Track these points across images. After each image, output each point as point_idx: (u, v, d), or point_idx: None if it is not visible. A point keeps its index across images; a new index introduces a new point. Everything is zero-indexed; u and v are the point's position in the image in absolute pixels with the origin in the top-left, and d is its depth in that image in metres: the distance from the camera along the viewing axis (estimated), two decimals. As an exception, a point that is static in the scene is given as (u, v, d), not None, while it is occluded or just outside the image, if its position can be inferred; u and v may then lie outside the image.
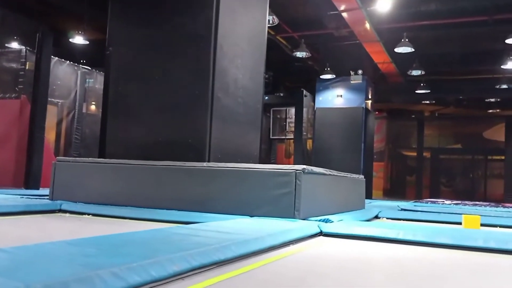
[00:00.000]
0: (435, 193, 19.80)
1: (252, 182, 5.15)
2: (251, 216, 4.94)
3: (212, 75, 5.87)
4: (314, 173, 5.32)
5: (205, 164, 5.53)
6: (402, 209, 9.18)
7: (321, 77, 13.87)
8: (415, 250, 3.90)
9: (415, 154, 20.47)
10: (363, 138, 13.94)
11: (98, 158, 6.62)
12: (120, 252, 2.38)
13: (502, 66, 12.81)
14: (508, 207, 12.55)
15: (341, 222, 4.87)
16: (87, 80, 12.32)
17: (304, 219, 4.91)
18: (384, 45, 12.33)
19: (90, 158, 6.51)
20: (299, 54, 12.18)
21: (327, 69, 13.57)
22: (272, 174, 5.06)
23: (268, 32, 11.10)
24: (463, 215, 5.95)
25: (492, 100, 17.93)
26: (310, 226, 4.42)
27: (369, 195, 14.56)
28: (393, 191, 20.36)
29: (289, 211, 4.91)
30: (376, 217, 7.22)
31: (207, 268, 2.56)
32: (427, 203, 13.23)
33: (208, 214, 5.04)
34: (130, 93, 6.41)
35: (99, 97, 10.70)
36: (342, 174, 6.75)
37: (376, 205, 9.92)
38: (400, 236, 4.15)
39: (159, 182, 5.63)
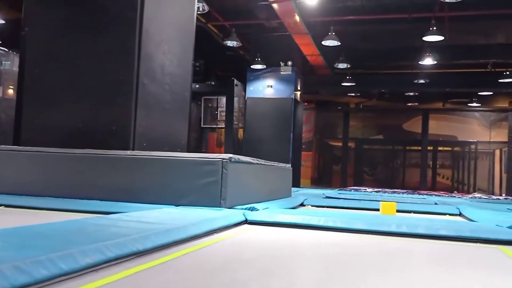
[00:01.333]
0: (359, 182, 20.77)
1: (178, 171, 5.08)
2: (176, 206, 4.88)
3: (137, 60, 5.68)
4: (241, 162, 5.35)
5: (128, 152, 5.36)
6: (326, 197, 9.51)
7: (252, 67, 13.95)
8: (335, 235, 4.06)
9: (341, 144, 21.30)
10: (292, 128, 14.25)
11: (13, 145, 6.18)
12: (28, 244, 2.24)
13: (420, 62, 13.63)
14: (422, 194, 13.46)
15: (266, 210, 4.95)
16: (3, 62, 11.49)
17: (230, 208, 4.93)
18: (313, 37, 12.64)
19: (3, 146, 6.07)
20: (230, 43, 12.15)
21: (257, 59, 13.66)
22: (198, 163, 5.02)
23: (198, 19, 10.96)
24: (380, 202, 6.28)
25: (411, 94, 19.05)
26: (235, 214, 4.44)
27: (297, 184, 14.96)
28: (321, 180, 21.06)
29: (215, 200, 4.90)
30: (302, 204, 7.43)
31: (125, 259, 2.48)
32: (351, 191, 13.86)
33: (131, 204, 4.90)
34: (48, 77, 6.03)
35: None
36: (270, 163, 6.85)
37: (303, 193, 10.20)
38: (322, 223, 4.30)
39: (79, 171, 5.38)
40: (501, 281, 2.53)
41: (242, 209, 4.89)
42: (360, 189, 15.54)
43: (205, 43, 12.56)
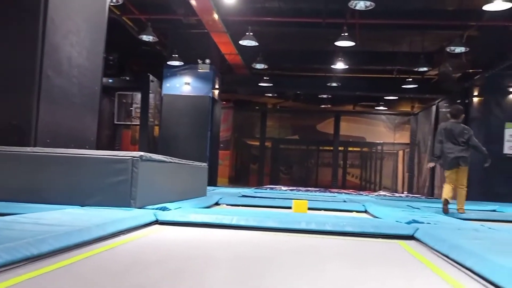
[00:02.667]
0: (275, 180, 21.22)
1: (85, 170, 4.80)
2: (82, 206, 4.60)
3: (40, 51, 5.26)
4: (152, 160, 5.18)
5: (29, 149, 4.96)
6: (243, 196, 9.59)
7: (169, 63, 13.65)
8: (248, 234, 4.08)
9: (258, 143, 21.61)
10: (210, 127, 14.17)
11: None
12: None
13: (332, 66, 14.22)
14: (333, 192, 14.08)
15: (179, 210, 4.84)
16: None
17: (140, 208, 4.76)
18: (231, 36, 12.65)
19: None
20: (145, 37, 11.76)
21: (175, 55, 13.40)
22: (107, 161, 4.78)
23: (111, 11, 10.49)
24: (293, 200, 6.44)
25: (324, 96, 19.82)
26: (145, 214, 4.29)
27: (214, 183, 14.92)
28: (238, 179, 21.20)
29: (125, 200, 4.70)
30: (217, 203, 7.40)
31: (16, 265, 2.28)
32: (267, 189, 14.11)
33: (32, 204, 4.54)
34: None
35: None
36: (184, 161, 6.73)
37: (219, 192, 10.18)
38: (234, 222, 4.30)
39: (-28, 169, 4.88)
40: (400, 273, 2.69)
41: (153, 209, 4.74)
42: (276, 187, 15.88)
43: (120, 36, 12.05)
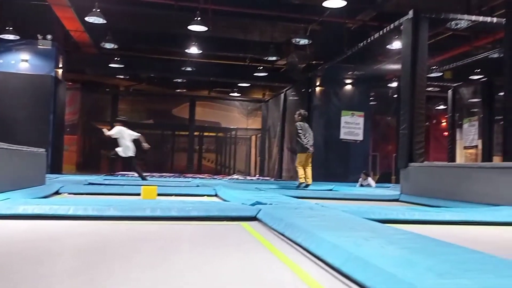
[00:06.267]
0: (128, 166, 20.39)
1: None
2: None
3: None
4: (-27, 146, 4.50)
5: None
6: (89, 183, 8.99)
7: (2, 37, 12.07)
8: (87, 224, 3.80)
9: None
10: (53, 109, 13.00)
11: None
12: None
13: (186, 50, 14.11)
14: (188, 177, 14.11)
15: (6, 201, 4.30)
16: None
17: (-44, 201, 4.10)
18: (76, 12, 11.67)
19: None
20: (-30, 4, 10.19)
21: (9, 28, 11.88)
22: None
23: None
24: (142, 187, 6.22)
25: (179, 80, 19.66)
26: (-39, 208, 3.71)
27: (58, 170, 13.75)
28: (87, 165, 19.90)
29: None
30: (57, 193, 6.80)
31: None
32: (118, 176, 13.49)
33: None
34: None
35: None
36: (15, 147, 6.00)
37: (62, 180, 9.39)
38: (71, 212, 3.96)
39: None
40: (238, 253, 2.76)
41: (-27, 201, 4.13)
42: (128, 174, 15.29)
43: None
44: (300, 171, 9.25)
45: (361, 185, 11.89)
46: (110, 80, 20.00)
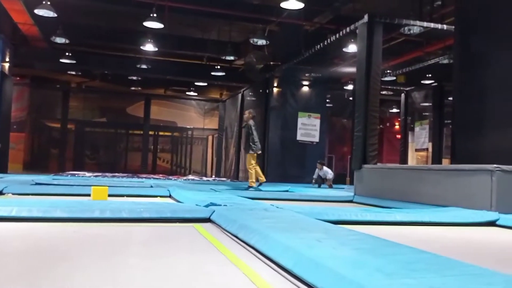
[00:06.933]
0: (79, 166, 19.73)
1: None
2: None
3: None
4: None
5: None
6: (37, 183, 8.59)
7: None
8: (32, 227, 3.61)
9: (59, 125, 19.77)
10: (-2, 106, 12.35)
11: None
12: None
13: (142, 47, 13.79)
14: (142, 178, 13.79)
15: None
16: None
17: None
18: (25, 4, 11.15)
19: None
20: None
21: (-50, 18, 11.19)
22: None
23: None
24: (92, 187, 6.00)
25: (134, 78, 19.21)
26: None
27: (4, 169, 13.13)
28: (35, 164, 19.09)
29: None
30: (1, 193, 6.45)
31: None
32: (68, 176, 13.00)
33: None
34: None
35: None
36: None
37: (7, 180, 8.94)
38: (14, 214, 3.75)
39: None
40: (189, 256, 2.69)
41: None
42: (78, 174, 14.77)
43: None
44: (259, 170, 9.43)
45: (318, 175, 11.94)
46: (61, 76, 19.25)
